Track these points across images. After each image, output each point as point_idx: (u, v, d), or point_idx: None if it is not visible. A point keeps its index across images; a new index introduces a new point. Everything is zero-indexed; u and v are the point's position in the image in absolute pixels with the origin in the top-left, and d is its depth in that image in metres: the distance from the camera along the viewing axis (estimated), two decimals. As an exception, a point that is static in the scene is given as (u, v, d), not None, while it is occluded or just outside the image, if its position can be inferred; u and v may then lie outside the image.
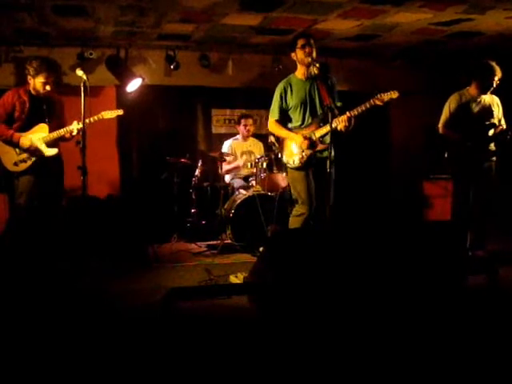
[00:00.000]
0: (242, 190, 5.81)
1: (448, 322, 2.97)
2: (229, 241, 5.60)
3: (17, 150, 4.46)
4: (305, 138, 4.20)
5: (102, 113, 4.52)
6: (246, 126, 6.22)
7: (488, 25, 5.62)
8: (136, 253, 5.35)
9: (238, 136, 6.40)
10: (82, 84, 4.07)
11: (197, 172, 6.18)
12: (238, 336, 2.94)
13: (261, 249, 4.99)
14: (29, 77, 4.49)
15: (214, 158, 6.16)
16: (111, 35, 5.87)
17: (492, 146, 4.85)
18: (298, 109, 4.28)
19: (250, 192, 5.62)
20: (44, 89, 4.47)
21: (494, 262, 4.62)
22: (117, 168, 6.67)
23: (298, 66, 4.32)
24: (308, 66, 4.22)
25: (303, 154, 4.22)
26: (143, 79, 6.24)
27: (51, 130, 4.54)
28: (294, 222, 4.33)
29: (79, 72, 4.12)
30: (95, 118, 4.49)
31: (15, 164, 4.47)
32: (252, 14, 5.21)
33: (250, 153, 6.30)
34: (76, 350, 2.73)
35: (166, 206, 6.30)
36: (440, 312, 3.00)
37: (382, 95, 4.00)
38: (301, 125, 4.31)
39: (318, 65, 4.11)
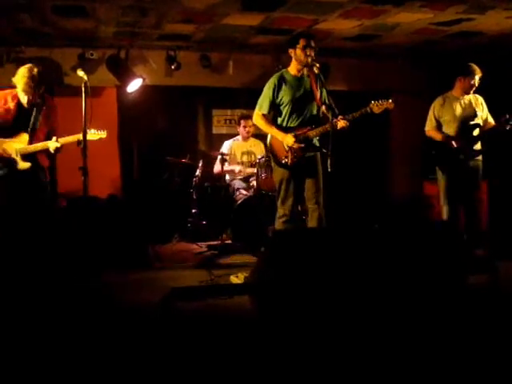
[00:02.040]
0: (242, 191, 5.81)
1: (448, 321, 2.97)
2: (229, 241, 5.60)
3: None
4: (297, 139, 4.14)
5: (88, 133, 4.23)
6: (245, 127, 6.22)
7: (488, 25, 5.62)
8: (137, 253, 5.34)
9: (238, 136, 6.40)
10: (82, 84, 4.06)
11: (197, 172, 6.18)
12: (239, 336, 2.94)
13: (262, 249, 4.99)
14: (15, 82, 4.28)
15: (214, 158, 6.17)
16: (112, 35, 5.87)
17: (477, 146, 4.92)
18: (289, 105, 4.21)
19: (251, 192, 5.62)
20: (26, 97, 4.28)
21: (495, 261, 4.62)
22: (118, 168, 6.67)
23: (294, 63, 4.26)
24: (305, 66, 4.19)
25: (294, 154, 4.17)
26: (144, 79, 6.24)
27: (34, 140, 4.33)
28: (277, 224, 4.35)
29: (80, 72, 4.10)
30: (74, 137, 4.27)
31: None
32: (253, 14, 5.21)
33: (251, 153, 6.30)
34: (76, 349, 2.73)
35: (167, 206, 6.31)
36: (440, 311, 3.00)
37: (378, 104, 4.01)
38: (288, 121, 4.25)
39: (318, 65, 4.10)
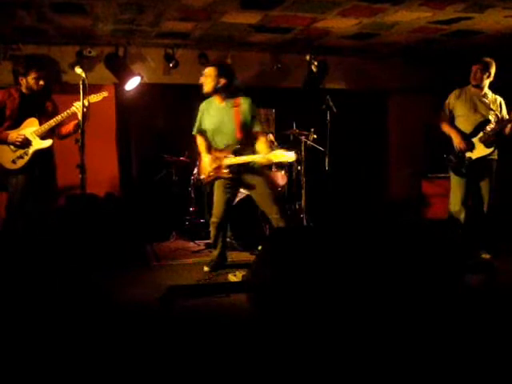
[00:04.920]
0: (240, 189, 5.80)
1: (445, 320, 2.97)
2: (227, 239, 5.59)
3: (11, 147, 4.38)
4: (214, 161, 4.33)
5: (89, 97, 4.31)
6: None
7: (487, 23, 5.62)
8: (135, 251, 5.35)
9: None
10: (80, 82, 4.06)
11: (195, 170, 6.17)
12: (236, 334, 2.94)
13: (259, 247, 5.00)
14: (20, 77, 4.45)
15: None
16: (110, 33, 5.85)
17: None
18: (211, 132, 4.40)
19: (249, 190, 5.62)
20: (38, 84, 4.43)
21: (493, 261, 4.63)
22: (116, 166, 6.65)
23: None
24: (218, 93, 4.33)
25: (210, 173, 4.38)
26: (142, 77, 6.23)
27: (43, 122, 4.46)
28: (211, 228, 4.59)
29: (78, 70, 4.10)
30: (84, 102, 4.24)
31: (13, 161, 4.39)
32: (251, 12, 5.20)
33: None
34: (74, 347, 2.73)
35: (165, 204, 6.30)
36: (437, 310, 3.01)
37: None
38: (214, 146, 4.44)
39: (315, 63, 4.10)
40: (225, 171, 4.26)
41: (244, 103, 4.31)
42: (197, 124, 4.53)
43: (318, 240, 3.10)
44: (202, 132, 4.51)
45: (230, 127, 4.28)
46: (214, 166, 4.32)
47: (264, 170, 4.44)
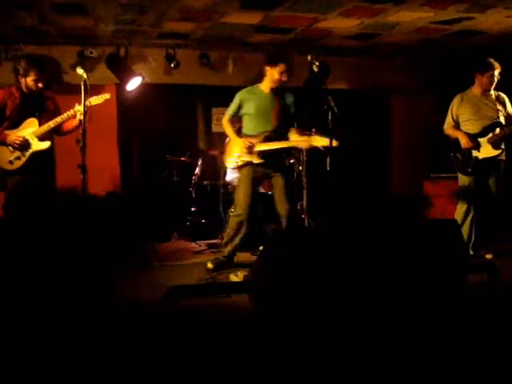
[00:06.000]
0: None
1: (448, 320, 2.96)
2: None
3: (9, 147, 4.37)
4: (246, 145, 4.41)
5: (90, 99, 4.37)
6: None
7: (489, 23, 5.61)
8: (136, 251, 5.35)
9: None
10: (82, 83, 4.06)
11: (197, 170, 6.18)
12: (238, 334, 2.94)
13: (261, 248, 4.99)
14: (19, 76, 4.45)
15: (214, 156, 6.17)
16: (111, 34, 5.86)
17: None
18: (253, 118, 4.50)
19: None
20: (37, 86, 4.42)
21: (494, 261, 4.62)
22: (117, 166, 6.66)
23: (266, 80, 4.53)
24: (276, 83, 4.47)
25: (240, 158, 4.46)
26: (143, 78, 6.23)
27: (43, 123, 4.45)
28: (231, 221, 4.61)
29: (79, 70, 4.10)
30: (85, 106, 4.26)
31: (10, 162, 4.38)
32: (252, 13, 5.20)
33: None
34: (75, 347, 2.73)
35: (167, 204, 6.30)
36: (440, 310, 3.00)
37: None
38: (251, 133, 4.51)
39: (317, 63, 4.11)
40: (255, 155, 4.38)
41: (287, 96, 4.55)
42: (232, 109, 4.63)
43: (319, 240, 3.09)
44: (236, 117, 4.65)
45: (273, 114, 4.46)
46: (246, 150, 4.41)
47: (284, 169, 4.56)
